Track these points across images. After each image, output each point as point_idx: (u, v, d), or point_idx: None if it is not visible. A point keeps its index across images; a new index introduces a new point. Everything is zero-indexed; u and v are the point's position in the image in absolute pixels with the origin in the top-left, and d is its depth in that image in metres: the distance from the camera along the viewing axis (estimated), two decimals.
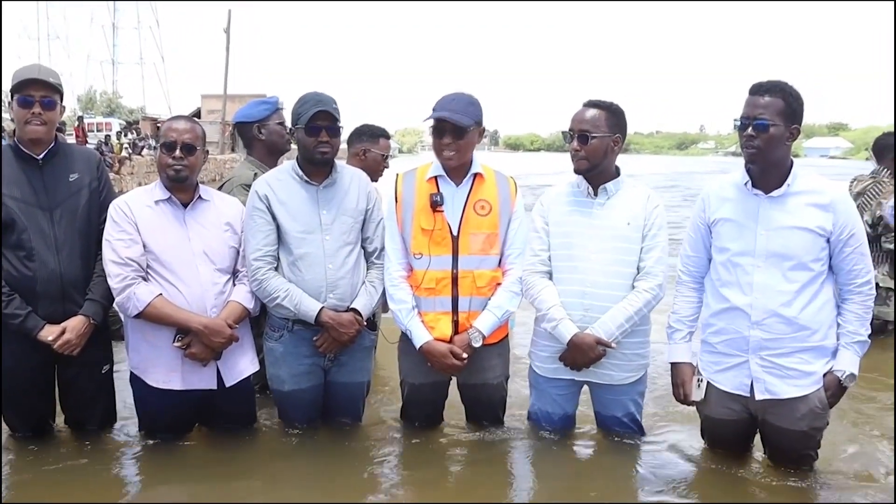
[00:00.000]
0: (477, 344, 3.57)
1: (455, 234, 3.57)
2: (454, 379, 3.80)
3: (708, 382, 3.44)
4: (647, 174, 39.24)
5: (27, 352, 3.47)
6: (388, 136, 4.84)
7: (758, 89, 3.16)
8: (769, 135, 3.11)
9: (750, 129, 3.13)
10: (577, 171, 3.57)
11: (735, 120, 3.21)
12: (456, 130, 3.50)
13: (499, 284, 3.63)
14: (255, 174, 4.01)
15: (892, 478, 3.53)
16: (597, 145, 3.48)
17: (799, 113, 3.15)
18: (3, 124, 18.90)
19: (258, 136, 4.37)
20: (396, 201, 3.66)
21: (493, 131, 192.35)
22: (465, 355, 3.56)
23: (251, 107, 4.46)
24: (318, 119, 3.50)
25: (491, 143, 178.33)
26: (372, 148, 4.68)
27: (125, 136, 32.77)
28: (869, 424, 4.32)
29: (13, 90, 3.45)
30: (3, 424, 3.71)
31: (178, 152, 3.46)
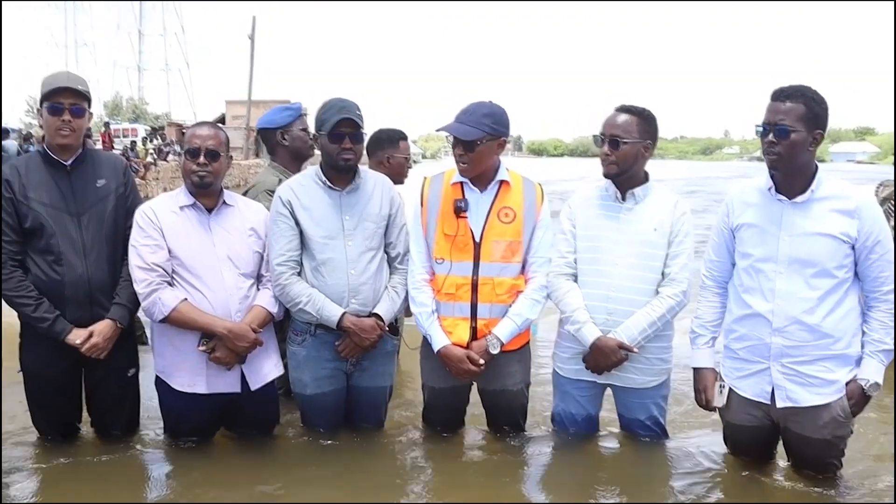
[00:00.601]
0: (495, 350, 3.57)
1: (477, 240, 3.58)
2: (476, 384, 3.81)
3: (730, 388, 3.43)
4: (669, 179, 38.95)
5: (55, 355, 3.53)
6: (405, 138, 4.88)
7: (779, 95, 3.14)
8: (790, 141, 3.09)
9: (771, 135, 3.11)
10: (606, 176, 3.57)
11: (756, 126, 3.19)
12: (465, 143, 3.51)
13: (520, 292, 3.63)
14: (280, 180, 4.04)
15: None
16: (627, 151, 3.49)
17: (822, 118, 3.12)
18: (2, 124, 19.29)
19: (281, 142, 4.41)
20: (422, 205, 3.67)
21: (517, 137, 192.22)
22: (481, 361, 3.57)
23: (274, 113, 4.50)
24: (342, 126, 3.53)
25: (514, 149, 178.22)
26: (394, 153, 4.72)
27: (151, 141, 33.14)
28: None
29: (43, 98, 3.50)
30: (20, 425, 3.76)
31: (202, 158, 3.50)
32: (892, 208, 5.69)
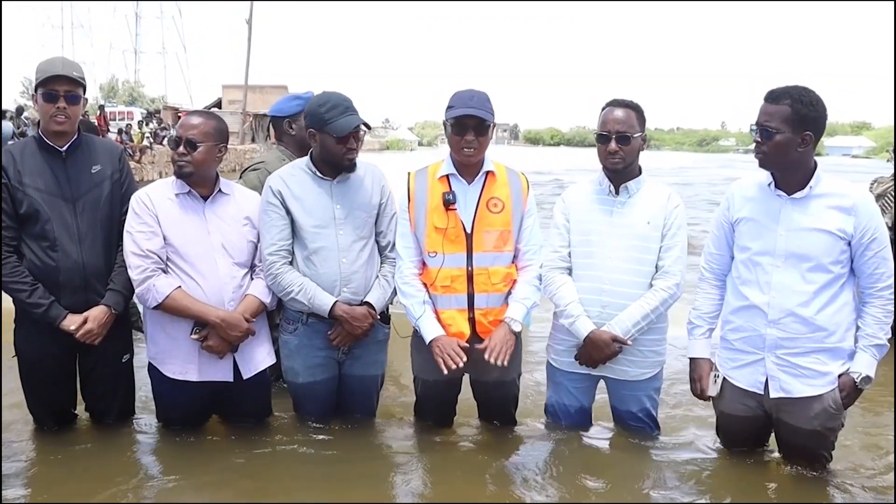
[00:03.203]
0: (517, 329, 3.57)
1: (469, 231, 3.58)
2: (468, 375, 3.79)
3: (724, 378, 3.46)
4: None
5: (49, 341, 3.52)
6: None
7: (769, 96, 3.19)
8: (774, 142, 3.14)
9: (757, 135, 3.18)
10: (613, 171, 3.57)
11: (751, 125, 3.25)
12: (479, 127, 3.50)
13: (514, 281, 3.63)
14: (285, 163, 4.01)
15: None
16: (636, 145, 3.54)
17: (811, 119, 3.13)
18: (2, 108, 19.30)
19: (288, 131, 4.43)
20: (409, 200, 3.66)
21: (514, 125, 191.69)
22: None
23: (284, 102, 4.50)
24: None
25: (511, 137, 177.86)
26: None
27: (146, 125, 32.92)
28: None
29: (38, 84, 3.49)
30: (7, 416, 3.75)
31: (181, 148, 3.48)
32: (890, 203, 5.71)
